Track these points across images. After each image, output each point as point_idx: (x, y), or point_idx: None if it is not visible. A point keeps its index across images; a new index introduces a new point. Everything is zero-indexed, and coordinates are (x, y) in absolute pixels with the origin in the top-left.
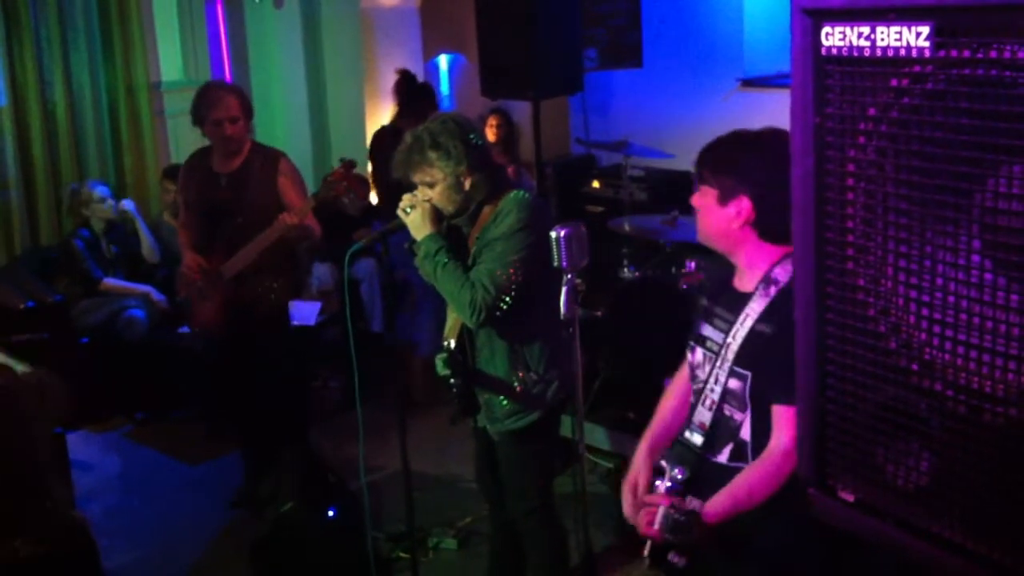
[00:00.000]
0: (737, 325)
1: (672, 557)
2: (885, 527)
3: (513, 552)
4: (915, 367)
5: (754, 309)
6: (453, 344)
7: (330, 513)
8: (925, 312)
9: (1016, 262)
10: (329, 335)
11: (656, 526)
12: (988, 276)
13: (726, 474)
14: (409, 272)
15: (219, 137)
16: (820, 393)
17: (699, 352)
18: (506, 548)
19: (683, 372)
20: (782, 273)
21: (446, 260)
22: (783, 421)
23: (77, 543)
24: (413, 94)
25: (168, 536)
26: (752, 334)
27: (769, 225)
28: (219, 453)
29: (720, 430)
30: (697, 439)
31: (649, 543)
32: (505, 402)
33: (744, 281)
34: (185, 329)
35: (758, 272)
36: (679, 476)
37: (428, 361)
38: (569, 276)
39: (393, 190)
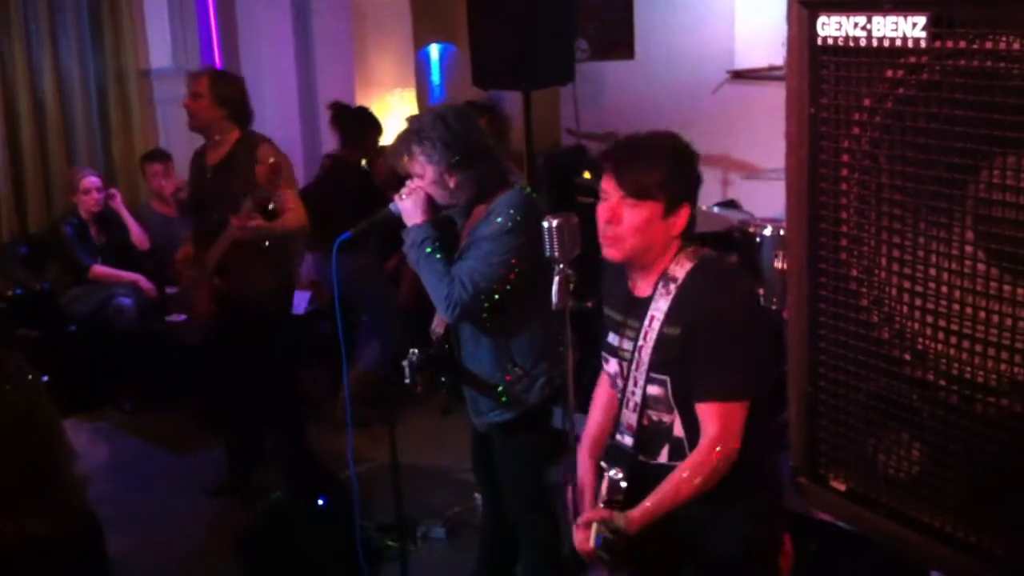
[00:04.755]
0: (645, 329)
1: (594, 574)
2: (876, 517)
3: (504, 542)
4: (907, 357)
5: (659, 309)
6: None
7: (319, 502)
8: (918, 302)
9: (1009, 253)
10: (319, 326)
11: (591, 543)
12: (981, 267)
13: (667, 474)
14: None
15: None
16: (812, 382)
17: (613, 362)
18: (497, 537)
19: (603, 381)
20: (678, 270)
21: (429, 251)
22: (707, 417)
23: (85, 526)
24: (351, 124)
25: (157, 526)
26: (662, 338)
27: (692, 231)
28: (209, 443)
29: (651, 433)
30: (628, 440)
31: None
32: (490, 397)
33: (643, 286)
34: (174, 318)
35: (656, 274)
36: (616, 476)
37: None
38: (560, 267)
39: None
